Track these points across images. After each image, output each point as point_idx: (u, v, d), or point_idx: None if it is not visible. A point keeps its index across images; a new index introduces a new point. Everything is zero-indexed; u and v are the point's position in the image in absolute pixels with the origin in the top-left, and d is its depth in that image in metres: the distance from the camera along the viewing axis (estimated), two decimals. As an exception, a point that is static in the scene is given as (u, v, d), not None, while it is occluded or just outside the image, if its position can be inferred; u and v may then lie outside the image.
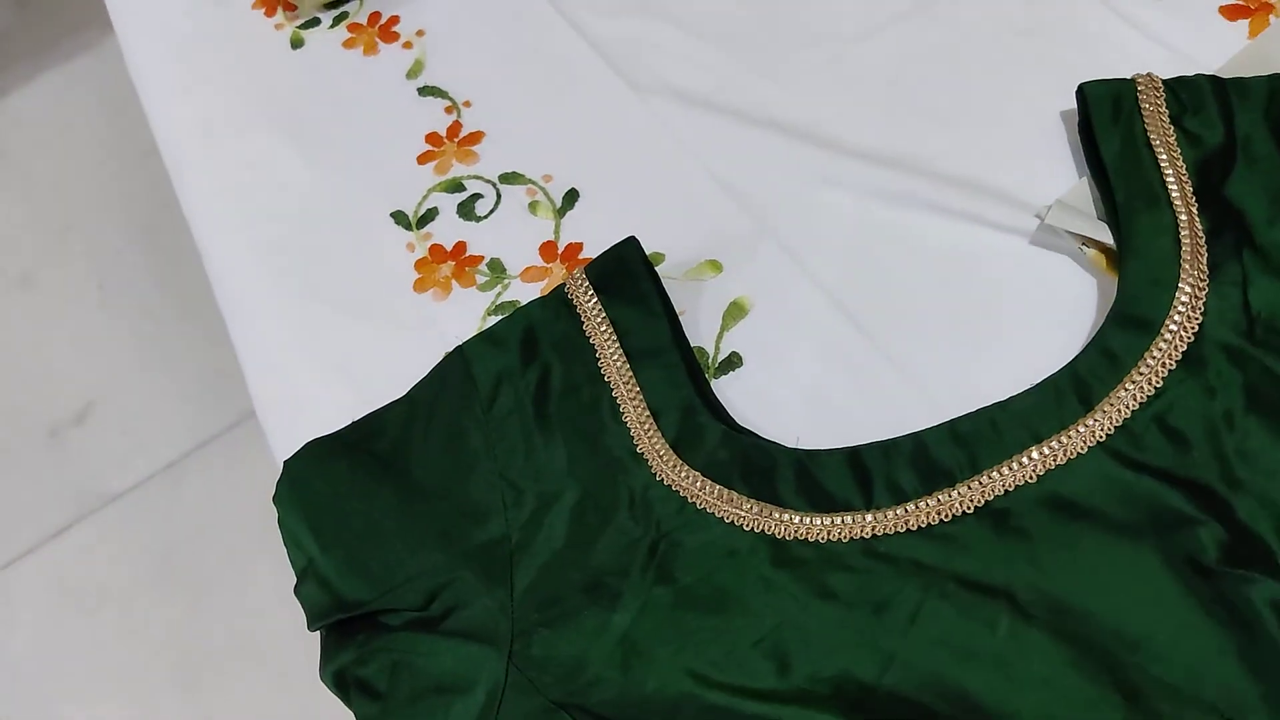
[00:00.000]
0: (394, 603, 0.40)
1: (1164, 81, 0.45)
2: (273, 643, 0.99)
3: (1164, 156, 0.43)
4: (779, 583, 0.37)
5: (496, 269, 0.51)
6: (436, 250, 0.52)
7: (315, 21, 0.63)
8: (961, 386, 0.43)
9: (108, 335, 1.21)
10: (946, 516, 0.37)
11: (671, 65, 0.55)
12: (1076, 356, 0.40)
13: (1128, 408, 0.38)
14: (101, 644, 1.04)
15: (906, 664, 0.35)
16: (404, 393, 0.45)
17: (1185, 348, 0.39)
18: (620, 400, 0.42)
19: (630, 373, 0.42)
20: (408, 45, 0.60)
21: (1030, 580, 0.36)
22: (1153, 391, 0.38)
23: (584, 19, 0.58)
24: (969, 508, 0.37)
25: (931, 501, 0.38)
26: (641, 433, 0.41)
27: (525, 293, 0.50)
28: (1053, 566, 0.36)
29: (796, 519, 0.38)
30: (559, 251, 0.51)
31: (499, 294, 0.50)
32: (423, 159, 0.56)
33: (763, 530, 0.38)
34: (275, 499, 0.43)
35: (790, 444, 0.41)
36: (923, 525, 0.38)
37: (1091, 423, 0.38)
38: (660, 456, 0.41)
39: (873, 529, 0.38)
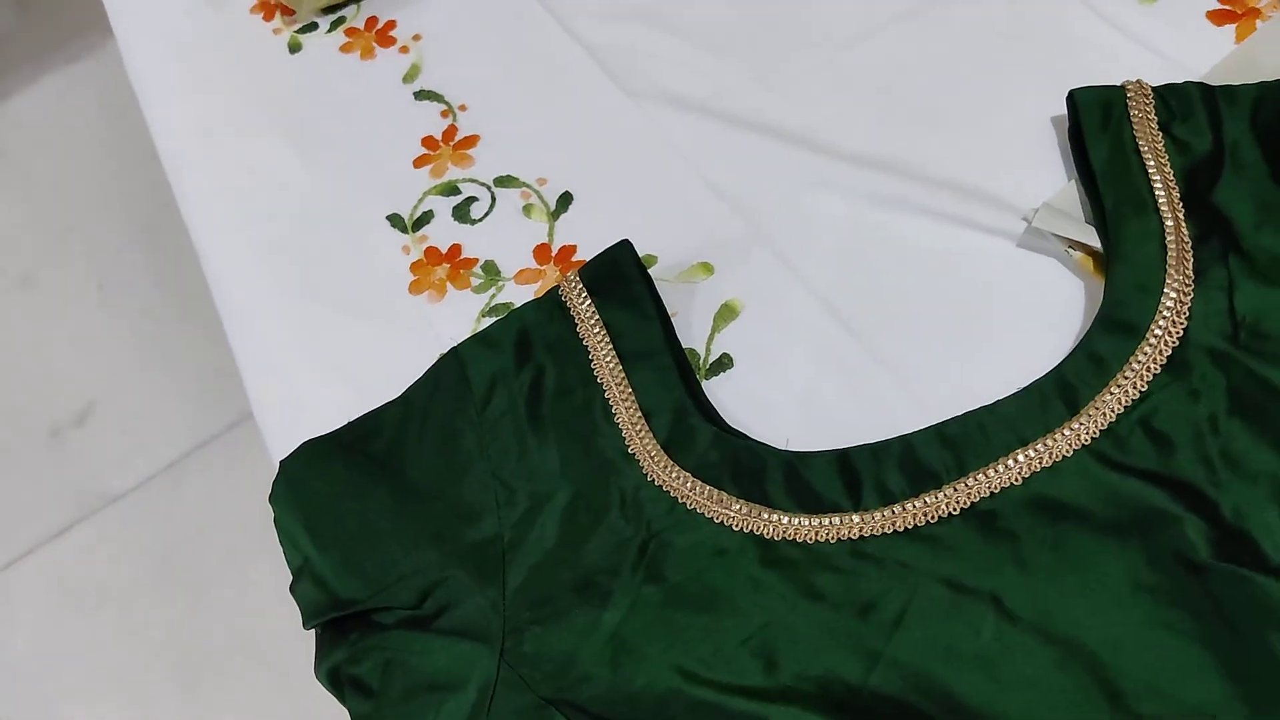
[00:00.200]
0: (387, 601, 0.40)
1: (1153, 89, 0.45)
2: (273, 643, 1.00)
3: (1152, 163, 0.43)
4: (767, 582, 0.38)
5: (491, 271, 0.52)
6: (432, 252, 0.53)
7: (313, 26, 0.63)
8: (950, 388, 0.43)
9: (108, 336, 1.22)
10: (933, 518, 0.38)
11: (665, 71, 0.56)
12: (1063, 360, 0.40)
13: (1113, 411, 0.38)
14: (102, 644, 1.04)
15: (892, 664, 0.36)
16: (399, 394, 0.45)
17: (1170, 352, 0.39)
18: (613, 402, 0.42)
19: (623, 374, 0.43)
20: (404, 50, 0.61)
21: (1016, 581, 0.36)
22: (1138, 395, 0.38)
23: (579, 25, 0.59)
24: (955, 509, 0.38)
25: (918, 503, 0.38)
26: (633, 434, 0.42)
27: (519, 295, 0.50)
28: (1038, 567, 0.36)
29: (785, 520, 0.39)
30: (553, 254, 0.51)
31: (493, 296, 0.51)
32: (419, 162, 0.56)
33: (752, 531, 0.39)
34: (271, 499, 0.44)
35: (780, 445, 0.41)
36: (909, 527, 0.38)
37: (1077, 426, 0.38)
38: (651, 457, 0.41)
39: (860, 530, 0.38)
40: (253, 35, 0.64)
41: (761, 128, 0.53)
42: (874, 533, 0.38)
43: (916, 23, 0.54)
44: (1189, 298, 0.40)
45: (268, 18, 0.64)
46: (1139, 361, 0.39)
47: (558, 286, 0.46)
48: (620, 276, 0.45)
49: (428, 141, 0.57)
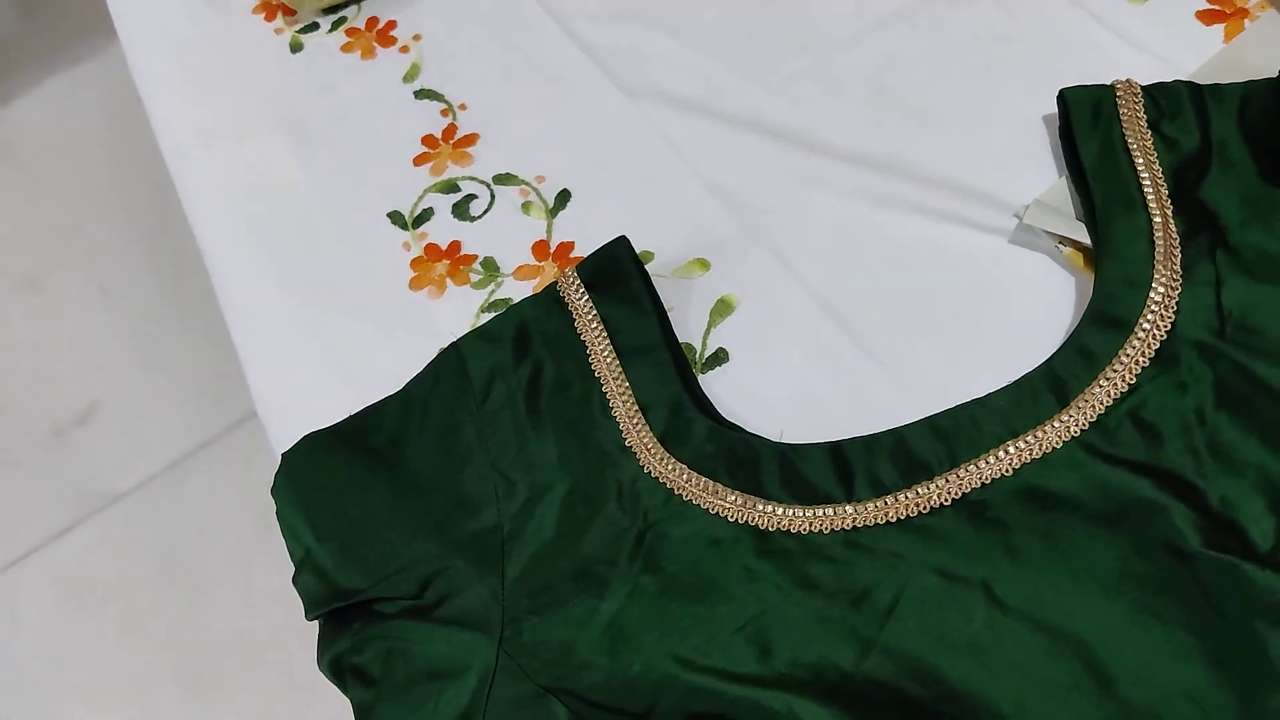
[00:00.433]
0: (388, 591, 0.41)
1: (1142, 87, 0.45)
2: (274, 642, 1.00)
3: (1141, 161, 0.44)
4: (762, 572, 0.38)
5: (490, 268, 0.52)
6: (432, 249, 0.53)
7: (314, 26, 0.64)
8: (942, 382, 0.43)
9: (111, 336, 1.22)
10: (925, 508, 0.38)
11: (663, 70, 0.56)
12: (1053, 354, 0.41)
13: (1102, 404, 0.39)
14: (104, 643, 1.05)
15: (885, 651, 0.36)
16: (400, 387, 0.46)
17: (1158, 345, 0.40)
18: (610, 395, 0.43)
19: (620, 369, 0.43)
20: (405, 49, 0.61)
21: (1006, 570, 0.37)
22: (1126, 388, 0.39)
23: (578, 26, 0.59)
24: (947, 500, 0.38)
25: (910, 494, 0.39)
26: (630, 427, 0.42)
27: (518, 291, 0.51)
28: (1028, 557, 0.37)
29: (779, 510, 0.39)
30: (551, 250, 0.52)
31: (492, 292, 0.51)
32: (419, 160, 0.57)
33: (746, 521, 0.39)
34: (273, 491, 0.44)
35: (775, 438, 0.42)
36: (902, 517, 0.38)
37: (1066, 418, 0.39)
38: (648, 450, 0.41)
39: (853, 521, 0.39)
40: (254, 36, 0.64)
41: (757, 127, 0.53)
42: (867, 523, 0.39)
43: (910, 23, 0.55)
44: (1177, 293, 0.41)
45: (269, 18, 0.65)
46: (1128, 355, 0.40)
47: (556, 282, 0.46)
48: (617, 272, 0.46)
49: (428, 140, 0.57)
